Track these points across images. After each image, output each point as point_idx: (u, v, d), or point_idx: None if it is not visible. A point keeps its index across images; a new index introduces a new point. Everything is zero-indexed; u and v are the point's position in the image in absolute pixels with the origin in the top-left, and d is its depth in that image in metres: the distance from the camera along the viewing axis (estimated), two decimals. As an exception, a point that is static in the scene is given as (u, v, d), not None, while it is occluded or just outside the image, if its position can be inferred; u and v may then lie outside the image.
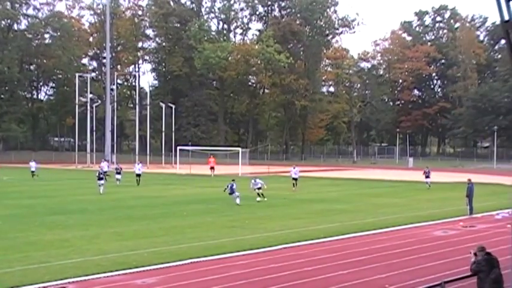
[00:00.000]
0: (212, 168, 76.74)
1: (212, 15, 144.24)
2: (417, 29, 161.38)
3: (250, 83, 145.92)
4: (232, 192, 41.98)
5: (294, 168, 56.87)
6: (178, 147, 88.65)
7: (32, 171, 68.40)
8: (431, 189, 56.89)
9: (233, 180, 43.76)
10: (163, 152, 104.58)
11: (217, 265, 22.08)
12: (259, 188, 45.10)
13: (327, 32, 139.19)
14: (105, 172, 64.96)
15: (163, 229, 30.41)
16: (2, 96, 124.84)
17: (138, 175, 59.51)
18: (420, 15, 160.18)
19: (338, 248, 25.92)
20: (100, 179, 47.75)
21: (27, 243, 25.78)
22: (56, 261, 22.34)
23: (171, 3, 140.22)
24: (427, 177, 59.28)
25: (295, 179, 55.08)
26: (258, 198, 44.13)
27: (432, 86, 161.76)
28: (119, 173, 58.99)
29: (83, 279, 19.73)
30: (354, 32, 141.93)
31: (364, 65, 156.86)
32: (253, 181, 45.97)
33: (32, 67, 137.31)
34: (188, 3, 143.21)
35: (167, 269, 21.52)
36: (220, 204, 41.91)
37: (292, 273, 20.77)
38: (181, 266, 22.00)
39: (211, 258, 23.32)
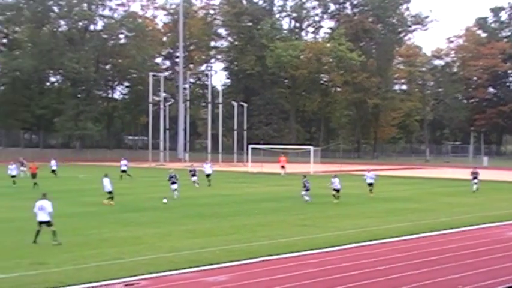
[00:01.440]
0: (283, 167, 76.75)
1: (284, 13, 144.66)
2: (492, 25, 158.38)
3: (321, 82, 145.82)
4: (307, 189, 41.91)
5: (369, 172, 50.91)
6: (250, 146, 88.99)
7: (53, 170, 66.99)
8: (507, 189, 55.76)
9: (304, 176, 43.68)
10: (235, 150, 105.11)
11: (288, 263, 22.10)
12: (337, 190, 43.08)
13: (400, 29, 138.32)
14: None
15: (235, 227, 30.59)
16: (79, 95, 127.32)
17: (208, 175, 57.74)
18: (496, 11, 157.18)
19: (410, 247, 25.66)
20: (173, 183, 46.51)
21: (101, 240, 26.26)
22: (129, 257, 22.71)
23: (244, 2, 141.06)
24: (475, 178, 53.86)
25: (371, 184, 49.27)
26: (335, 201, 42.37)
27: (508, 84, 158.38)
28: (194, 175, 55.53)
29: (156, 276, 19.97)
30: (427, 29, 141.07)
31: (438, 62, 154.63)
32: (332, 180, 43.88)
33: (107, 67, 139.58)
34: (260, 2, 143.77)
35: (238, 266, 21.62)
36: (291, 202, 41.93)
37: (364, 273, 20.67)
38: (252, 264, 22.08)
39: (282, 256, 23.34)
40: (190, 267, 21.16)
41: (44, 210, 25.36)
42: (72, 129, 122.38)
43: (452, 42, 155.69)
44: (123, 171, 65.62)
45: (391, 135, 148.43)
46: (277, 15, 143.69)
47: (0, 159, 67.58)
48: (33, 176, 54.54)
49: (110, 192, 40.16)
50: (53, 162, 68.77)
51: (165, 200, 40.49)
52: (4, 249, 24.27)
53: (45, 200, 25.78)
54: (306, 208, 39.11)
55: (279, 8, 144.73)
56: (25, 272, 20.34)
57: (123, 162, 67.58)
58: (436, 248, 25.45)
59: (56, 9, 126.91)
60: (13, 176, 56.24)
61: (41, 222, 25.34)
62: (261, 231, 29.22)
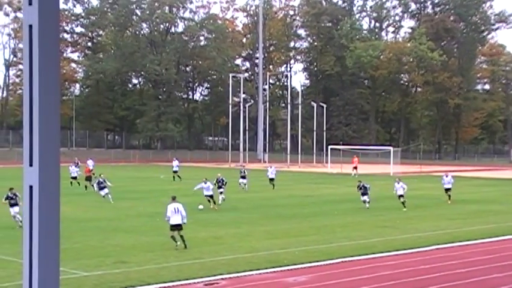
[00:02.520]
0: (355, 168, 75.77)
1: (364, 13, 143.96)
2: None
3: (402, 82, 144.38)
4: (365, 193, 40.65)
5: (447, 176, 45.64)
6: (329, 147, 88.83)
7: (175, 171, 65.06)
8: None
9: (360, 181, 42.50)
10: (314, 151, 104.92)
11: (367, 265, 22.04)
12: (401, 196, 40.24)
13: (483, 28, 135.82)
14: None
15: (314, 228, 30.62)
16: (160, 97, 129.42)
17: (271, 179, 55.31)
18: None
19: (493, 250, 25.25)
20: (219, 187, 42.81)
21: (182, 240, 26.61)
22: (209, 257, 23.01)
23: (323, 2, 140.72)
24: None
25: (449, 189, 44.87)
26: (404, 209, 39.24)
27: None
28: (244, 177, 52.58)
29: (235, 276, 20.21)
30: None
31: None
32: (396, 184, 41.52)
33: (187, 68, 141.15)
34: (340, 2, 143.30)
35: (318, 267, 21.68)
36: (370, 203, 41.60)
37: (444, 275, 20.44)
38: (331, 265, 22.11)
39: (361, 258, 23.30)
40: (269, 268, 21.31)
41: (179, 213, 25.07)
42: (154, 130, 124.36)
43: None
44: (175, 171, 64.98)
45: (473, 136, 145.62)
46: (357, 15, 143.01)
47: (84, 159, 68.34)
48: (88, 178, 51.88)
49: (211, 196, 39.71)
50: (89, 162, 64.06)
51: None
52: (88, 248, 24.88)
53: (177, 203, 25.59)
54: (385, 209, 38.86)
55: (359, 8, 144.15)
56: (108, 270, 20.84)
57: (175, 162, 66.82)
58: (520, 251, 24.99)
59: (138, 12, 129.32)
60: (74, 178, 53.75)
61: (174, 226, 25.01)
62: (341, 232, 29.20)
